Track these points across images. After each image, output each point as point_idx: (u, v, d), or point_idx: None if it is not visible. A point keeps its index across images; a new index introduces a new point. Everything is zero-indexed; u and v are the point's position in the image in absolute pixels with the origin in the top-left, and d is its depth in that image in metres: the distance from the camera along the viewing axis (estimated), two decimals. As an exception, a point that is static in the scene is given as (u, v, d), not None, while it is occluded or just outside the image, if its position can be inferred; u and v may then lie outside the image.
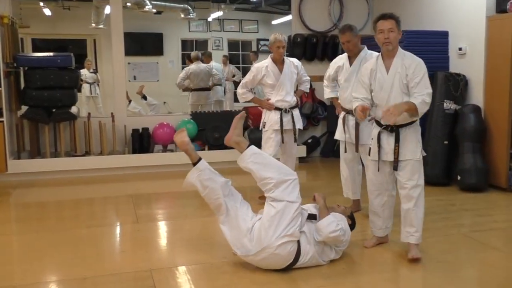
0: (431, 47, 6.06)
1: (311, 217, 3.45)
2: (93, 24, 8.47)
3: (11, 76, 6.47)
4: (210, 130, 7.07)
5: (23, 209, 5.34)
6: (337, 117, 4.78)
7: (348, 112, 4.54)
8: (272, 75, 5.07)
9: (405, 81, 3.46)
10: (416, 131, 3.55)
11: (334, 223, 3.34)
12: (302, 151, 7.29)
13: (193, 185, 3.49)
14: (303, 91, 5.45)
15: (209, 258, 3.64)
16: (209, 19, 9.10)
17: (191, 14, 9.09)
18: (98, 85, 8.99)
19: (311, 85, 5.60)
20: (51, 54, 6.62)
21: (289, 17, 7.92)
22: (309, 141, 7.86)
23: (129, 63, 8.20)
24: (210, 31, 9.16)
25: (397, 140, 3.48)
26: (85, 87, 8.81)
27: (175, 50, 9.43)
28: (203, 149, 6.97)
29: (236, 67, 9.46)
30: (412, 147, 3.50)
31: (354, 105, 3.68)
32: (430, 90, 3.45)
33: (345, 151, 4.67)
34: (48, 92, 6.43)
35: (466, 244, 3.96)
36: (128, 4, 8.03)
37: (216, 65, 8.81)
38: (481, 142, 5.65)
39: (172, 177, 6.52)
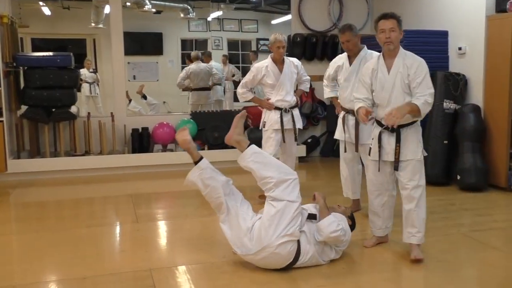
0: (431, 46, 6.06)
1: (311, 217, 3.46)
2: (93, 24, 8.47)
3: (11, 75, 6.46)
4: (210, 130, 7.07)
5: (22, 209, 5.34)
6: (337, 117, 4.78)
7: (348, 111, 4.54)
8: (272, 75, 5.08)
9: (406, 81, 3.45)
10: (417, 131, 3.55)
11: (335, 223, 3.35)
12: (301, 150, 7.29)
13: (194, 183, 3.50)
14: (303, 90, 5.46)
15: (209, 257, 3.64)
16: (209, 18, 9.10)
17: (190, 14, 9.09)
18: (97, 84, 8.98)
19: (310, 85, 5.59)
20: (50, 53, 6.61)
21: (288, 17, 7.92)
22: (309, 140, 7.86)
23: (128, 63, 8.19)
24: (209, 31, 9.16)
25: (398, 140, 3.47)
26: (85, 87, 8.81)
27: (174, 49, 9.43)
28: (203, 149, 6.97)
29: (236, 66, 9.46)
30: (413, 147, 3.50)
31: (356, 106, 3.67)
32: (432, 90, 3.43)
33: (345, 151, 4.67)
34: (47, 91, 6.43)
35: (466, 244, 3.96)
36: (128, 3, 8.02)
37: (216, 64, 8.81)
38: (481, 141, 5.65)
39: (172, 177, 6.52)
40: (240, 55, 9.66)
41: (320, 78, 5.39)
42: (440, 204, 5.02)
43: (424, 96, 3.37)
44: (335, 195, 4.97)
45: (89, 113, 7.24)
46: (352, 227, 3.61)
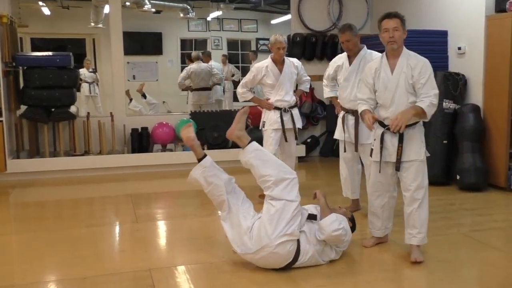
0: (430, 46, 6.05)
1: (311, 217, 3.45)
2: (92, 24, 8.46)
3: (10, 75, 6.46)
4: (210, 130, 7.07)
5: (22, 209, 5.33)
6: (337, 117, 4.78)
7: (348, 111, 4.55)
8: (272, 75, 5.09)
9: (411, 81, 3.42)
10: (420, 131, 3.52)
11: (336, 222, 3.35)
12: (301, 150, 7.28)
13: (197, 180, 3.50)
14: (302, 90, 5.47)
15: (208, 257, 3.64)
16: (208, 18, 9.10)
17: (190, 14, 9.08)
18: (97, 84, 8.98)
19: (310, 85, 5.60)
20: (50, 53, 6.61)
21: (288, 17, 7.92)
22: (309, 140, 7.86)
23: (128, 63, 8.18)
24: (209, 31, 9.16)
25: (400, 141, 3.44)
26: (84, 87, 8.81)
27: (174, 49, 9.42)
28: (203, 149, 6.94)
29: (236, 66, 9.45)
30: (417, 147, 3.47)
31: (359, 108, 3.65)
32: (436, 91, 3.41)
33: (345, 151, 4.67)
34: (47, 91, 6.42)
35: (466, 244, 3.96)
36: (127, 3, 8.02)
37: (216, 64, 8.81)
38: (480, 141, 5.65)
39: (171, 177, 6.52)
40: (239, 55, 9.66)
41: (320, 78, 5.39)
42: (440, 204, 5.01)
43: (428, 97, 3.35)
44: (335, 194, 4.96)
45: (88, 113, 7.23)
46: (353, 229, 3.61)
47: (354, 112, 4.46)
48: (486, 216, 4.70)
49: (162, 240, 4.24)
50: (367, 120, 3.49)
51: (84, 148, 6.85)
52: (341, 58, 4.67)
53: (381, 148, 3.52)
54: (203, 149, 6.84)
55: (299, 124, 5.23)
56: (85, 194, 5.81)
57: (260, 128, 5.26)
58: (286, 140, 5.12)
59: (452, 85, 5.79)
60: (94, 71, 9.02)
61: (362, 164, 4.67)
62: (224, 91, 9.08)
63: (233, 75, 9.26)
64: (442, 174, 5.76)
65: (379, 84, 3.54)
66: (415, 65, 3.42)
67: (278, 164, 3.45)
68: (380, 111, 3.59)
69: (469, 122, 5.62)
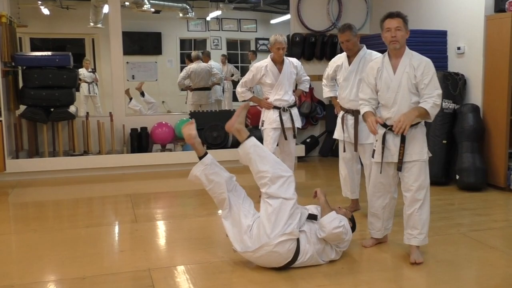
0: (430, 46, 6.05)
1: (312, 217, 3.45)
2: (92, 24, 8.45)
3: (9, 75, 6.45)
4: (209, 130, 7.07)
5: (21, 209, 5.33)
6: (336, 117, 4.78)
7: (347, 111, 4.54)
8: (271, 74, 5.10)
9: (414, 81, 3.40)
10: (422, 131, 3.50)
11: (337, 219, 3.35)
12: (300, 150, 7.29)
13: (198, 178, 3.52)
14: (302, 90, 5.48)
15: (208, 257, 3.64)
16: (208, 18, 9.09)
17: (189, 14, 9.07)
18: (96, 84, 8.97)
19: (310, 85, 5.60)
20: (49, 53, 6.61)
21: (287, 17, 7.91)
22: (308, 140, 7.86)
23: (127, 63, 8.18)
24: (208, 31, 9.15)
25: (402, 141, 3.43)
26: (84, 87, 8.80)
27: (173, 49, 9.41)
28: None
29: (235, 66, 9.45)
30: (419, 147, 3.45)
31: (361, 110, 3.63)
32: (439, 91, 3.39)
33: (344, 151, 4.67)
34: (46, 91, 6.42)
35: (465, 244, 3.96)
36: (127, 3, 8.01)
37: (215, 64, 8.81)
38: (480, 141, 5.65)
39: (171, 177, 6.52)
40: (239, 55, 9.65)
41: (319, 78, 5.40)
42: (439, 204, 5.02)
43: (432, 97, 3.34)
44: (334, 194, 4.96)
45: (88, 112, 7.23)
46: (353, 229, 3.61)
47: (353, 112, 4.46)
48: (485, 216, 4.70)
49: (162, 240, 4.24)
50: (370, 125, 3.47)
51: (84, 148, 6.85)
52: (340, 58, 4.67)
53: (383, 148, 3.51)
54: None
55: (298, 123, 5.24)
56: (84, 194, 5.81)
57: (259, 127, 5.28)
58: (285, 138, 5.14)
59: (451, 85, 5.79)
60: (94, 71, 9.01)
61: (362, 164, 4.67)
62: (223, 91, 9.08)
63: (232, 75, 9.26)
64: (441, 174, 5.76)
65: (381, 84, 3.51)
66: (418, 65, 3.40)
67: (275, 161, 3.46)
68: (382, 111, 3.57)
69: (468, 122, 5.63)
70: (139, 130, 7.08)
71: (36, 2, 8.29)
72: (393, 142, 3.48)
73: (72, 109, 6.78)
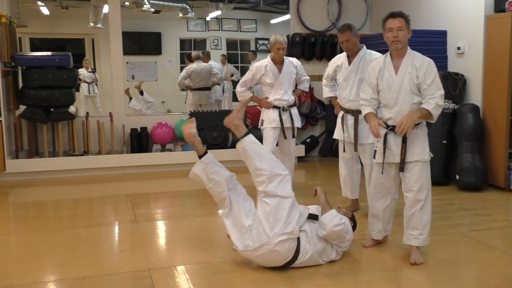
0: (430, 46, 6.05)
1: (312, 217, 3.45)
2: (91, 24, 8.45)
3: (9, 75, 6.45)
4: (209, 130, 7.07)
5: (21, 209, 5.33)
6: (336, 117, 4.78)
7: (347, 111, 4.54)
8: (271, 74, 5.11)
9: (416, 81, 3.39)
10: (424, 131, 3.49)
11: (337, 217, 3.36)
12: (300, 150, 7.29)
13: (199, 177, 3.52)
14: (302, 90, 5.48)
15: (208, 257, 3.64)
16: (208, 18, 9.09)
17: (189, 14, 9.07)
18: (96, 84, 8.96)
19: (310, 85, 5.60)
20: (49, 53, 6.61)
21: (287, 17, 7.91)
22: (308, 140, 7.86)
23: (127, 63, 8.17)
24: (208, 31, 9.15)
25: (404, 141, 3.41)
26: (83, 87, 8.79)
27: (173, 49, 9.40)
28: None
29: (235, 66, 9.44)
30: (420, 148, 3.44)
31: (363, 111, 3.61)
32: (442, 91, 3.37)
33: (344, 151, 4.67)
34: (46, 91, 6.42)
35: (465, 244, 3.96)
36: (126, 3, 8.00)
37: (215, 64, 8.80)
38: (480, 141, 5.65)
39: (171, 177, 6.52)
40: (239, 55, 9.64)
41: (319, 78, 5.40)
42: (439, 204, 5.01)
43: (434, 98, 3.32)
44: (334, 194, 4.96)
45: (87, 113, 7.23)
46: (354, 228, 3.61)
47: (353, 112, 4.46)
48: (485, 216, 4.70)
49: (161, 240, 4.24)
50: (374, 129, 3.45)
51: (83, 148, 6.85)
52: (340, 58, 4.67)
53: (384, 149, 3.50)
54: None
55: (297, 123, 5.25)
56: (84, 194, 5.80)
57: (258, 127, 5.28)
58: (285, 137, 5.14)
59: (451, 85, 5.79)
60: (93, 71, 9.00)
61: (362, 164, 4.67)
62: (223, 91, 9.08)
63: (232, 75, 9.25)
64: (441, 174, 5.76)
65: (382, 84, 3.50)
66: (420, 66, 3.39)
67: (272, 160, 3.46)
68: (384, 111, 3.56)
69: (468, 122, 5.63)
70: (139, 130, 7.08)
71: (36, 2, 8.29)
72: (395, 142, 3.47)
73: (72, 109, 6.79)
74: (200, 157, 3.53)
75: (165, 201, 5.59)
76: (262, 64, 5.14)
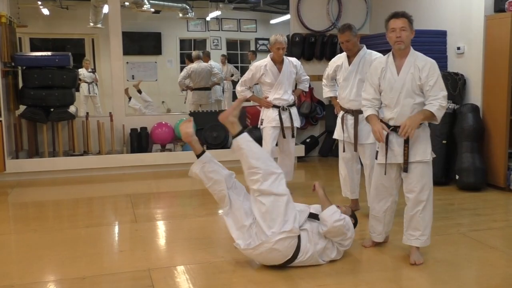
0: (429, 46, 6.04)
1: (313, 216, 3.45)
2: (91, 24, 8.46)
3: (9, 75, 6.45)
4: (209, 130, 7.06)
5: (21, 209, 5.33)
6: (336, 117, 4.78)
7: (347, 111, 4.54)
8: (270, 74, 5.12)
9: (418, 82, 3.37)
10: (426, 132, 3.48)
11: (338, 213, 3.36)
12: (300, 150, 7.29)
13: (197, 175, 3.51)
14: (301, 90, 5.49)
15: (207, 257, 3.64)
16: (208, 18, 9.10)
17: (189, 14, 9.08)
18: (96, 84, 8.98)
19: (309, 85, 5.61)
20: (49, 53, 6.61)
21: (287, 17, 7.91)
22: (308, 140, 7.86)
23: (127, 63, 8.18)
24: (208, 31, 9.16)
25: (406, 141, 3.40)
26: (83, 87, 8.81)
27: (173, 49, 9.42)
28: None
29: (235, 66, 9.45)
30: (423, 148, 3.42)
31: (365, 112, 3.59)
32: (445, 92, 3.35)
33: (344, 151, 4.67)
34: (46, 91, 6.42)
35: (465, 244, 3.96)
36: (126, 3, 8.01)
37: (215, 64, 8.81)
38: (480, 141, 5.65)
39: (171, 177, 6.52)
40: (238, 55, 9.65)
41: (319, 78, 5.40)
42: (439, 204, 5.01)
43: (437, 99, 3.31)
44: (334, 194, 4.97)
45: (87, 113, 7.24)
46: (354, 225, 3.61)
47: (353, 112, 4.46)
48: (485, 216, 4.70)
49: (161, 240, 4.24)
50: (377, 134, 3.42)
51: (83, 148, 6.85)
52: (340, 58, 4.67)
53: (386, 149, 3.49)
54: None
55: (297, 123, 5.26)
56: (84, 194, 5.80)
57: (258, 126, 5.29)
58: (284, 137, 5.15)
59: (451, 85, 5.79)
60: (93, 71, 9.01)
61: (362, 164, 4.67)
62: (223, 91, 9.08)
63: (232, 75, 9.26)
64: (441, 174, 5.76)
65: (384, 84, 3.48)
66: (423, 66, 3.37)
67: (267, 158, 3.48)
68: (385, 111, 3.55)
69: (468, 122, 5.63)
70: (139, 130, 7.08)
71: (36, 2, 8.30)
72: (397, 142, 3.45)
73: (72, 109, 6.79)
74: (198, 156, 3.53)
75: (165, 201, 5.59)
76: (262, 63, 5.15)
